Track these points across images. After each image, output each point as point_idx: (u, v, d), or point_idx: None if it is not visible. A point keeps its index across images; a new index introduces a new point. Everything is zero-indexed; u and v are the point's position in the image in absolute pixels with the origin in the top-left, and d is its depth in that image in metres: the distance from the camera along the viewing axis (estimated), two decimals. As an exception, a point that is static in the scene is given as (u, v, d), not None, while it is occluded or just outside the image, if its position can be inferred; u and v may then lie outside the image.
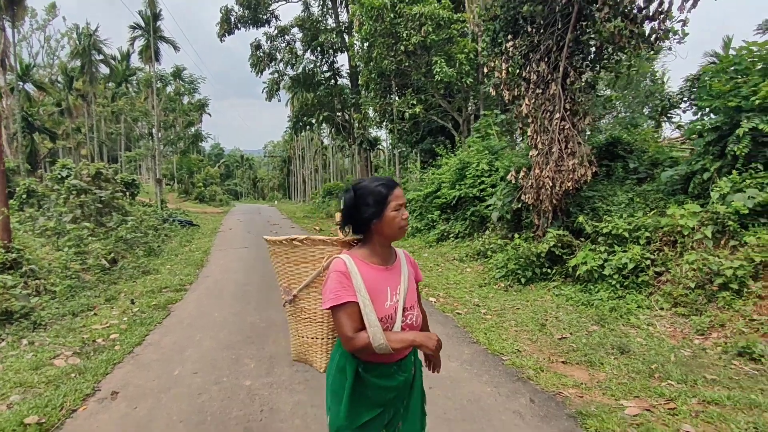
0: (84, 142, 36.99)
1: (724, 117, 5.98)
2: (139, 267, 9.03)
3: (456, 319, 5.66)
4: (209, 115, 38.18)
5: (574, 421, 3.12)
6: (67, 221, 9.55)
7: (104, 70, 34.81)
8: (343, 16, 24.99)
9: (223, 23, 24.13)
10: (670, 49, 8.62)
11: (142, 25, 29.45)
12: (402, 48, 13.92)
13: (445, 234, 11.24)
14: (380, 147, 31.01)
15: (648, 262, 5.83)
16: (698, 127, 6.41)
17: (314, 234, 14.83)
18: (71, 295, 6.76)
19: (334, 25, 25.05)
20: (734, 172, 5.62)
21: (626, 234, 6.14)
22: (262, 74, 25.22)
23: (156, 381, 3.98)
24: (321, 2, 25.80)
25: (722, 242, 5.49)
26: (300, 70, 24.97)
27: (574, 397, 3.46)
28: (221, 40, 24.38)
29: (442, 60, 13.61)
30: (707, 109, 6.44)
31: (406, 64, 14.74)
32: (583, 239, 6.83)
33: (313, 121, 27.54)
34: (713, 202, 5.61)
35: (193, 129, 34.73)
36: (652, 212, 6.37)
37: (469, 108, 16.29)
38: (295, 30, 25.25)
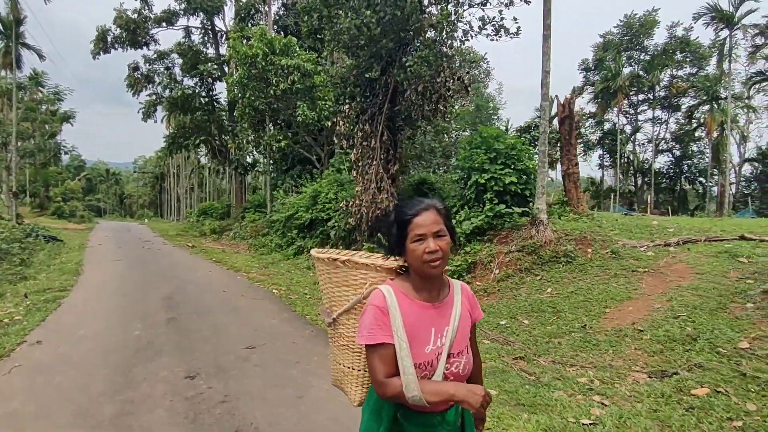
0: None
1: (464, 173, 9.47)
2: (17, 273, 10.13)
3: (286, 301, 8.20)
4: (72, 125, 36.65)
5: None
6: (-61, 231, 10.27)
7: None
8: (223, 49, 26.62)
9: (98, 41, 24.36)
10: (505, 103, 12.45)
11: (2, 30, 28.00)
12: (272, 92, 16.39)
13: (301, 249, 13.80)
14: (259, 170, 32.53)
15: (417, 264, 8.98)
16: (454, 177, 9.87)
17: (188, 249, 16.39)
18: (-38, 292, 7.98)
19: (215, 56, 26.63)
20: (465, 207, 9.05)
21: (407, 246, 9.27)
22: (139, 95, 25.75)
23: (67, 337, 5.88)
24: (202, 33, 27.29)
25: (458, 251, 8.83)
26: (178, 94, 25.94)
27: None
28: (95, 58, 24.55)
29: (305, 104, 16.34)
30: (458, 166, 9.95)
31: (276, 105, 17.24)
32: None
33: (190, 143, 28.47)
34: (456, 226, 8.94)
35: (52, 141, 33.14)
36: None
37: (333, 145, 19.19)
38: (175, 56, 26.35)
